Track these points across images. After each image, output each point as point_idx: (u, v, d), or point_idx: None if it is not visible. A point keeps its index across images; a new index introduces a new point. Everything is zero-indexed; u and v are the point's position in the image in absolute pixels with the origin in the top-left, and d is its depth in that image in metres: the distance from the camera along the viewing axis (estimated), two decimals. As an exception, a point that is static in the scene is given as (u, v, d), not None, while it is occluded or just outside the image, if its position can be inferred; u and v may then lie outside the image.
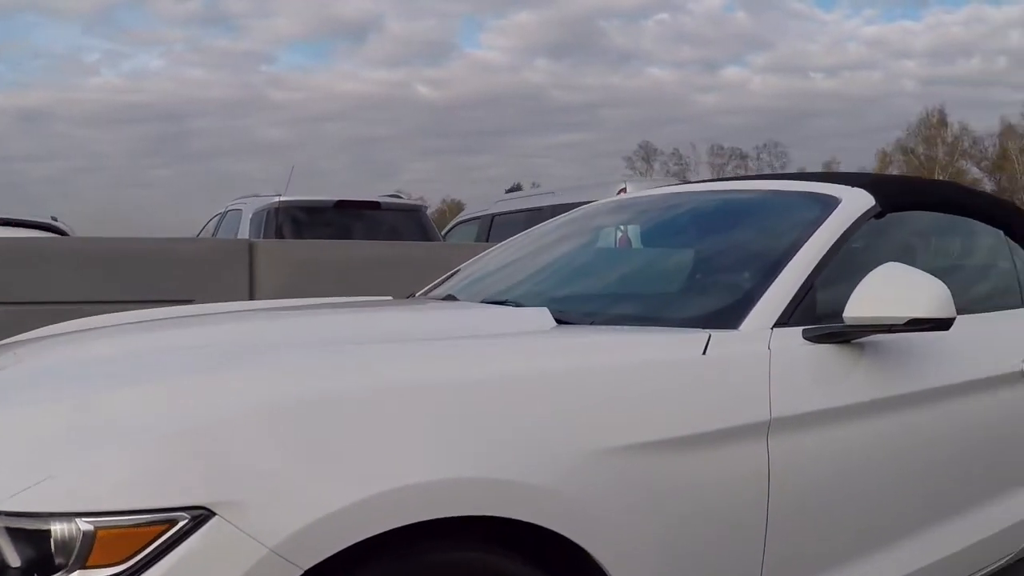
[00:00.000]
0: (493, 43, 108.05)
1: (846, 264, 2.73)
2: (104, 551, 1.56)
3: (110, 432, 1.69)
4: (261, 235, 8.47)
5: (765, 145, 75.01)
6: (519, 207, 9.72)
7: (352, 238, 8.33)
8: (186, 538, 1.59)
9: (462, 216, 11.40)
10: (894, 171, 70.61)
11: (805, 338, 2.48)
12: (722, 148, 75.12)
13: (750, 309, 2.51)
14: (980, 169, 71.04)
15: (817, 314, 2.59)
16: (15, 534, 1.58)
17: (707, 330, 2.39)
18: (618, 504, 2.03)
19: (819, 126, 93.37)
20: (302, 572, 1.65)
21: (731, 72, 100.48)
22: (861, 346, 2.56)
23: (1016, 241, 3.64)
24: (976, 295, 3.48)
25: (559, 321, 2.57)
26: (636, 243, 3.69)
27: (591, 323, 2.65)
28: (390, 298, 3.81)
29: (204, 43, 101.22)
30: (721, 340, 2.35)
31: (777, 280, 2.59)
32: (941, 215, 3.47)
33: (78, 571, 1.56)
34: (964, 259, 3.69)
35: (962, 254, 3.70)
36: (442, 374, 1.98)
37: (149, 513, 1.58)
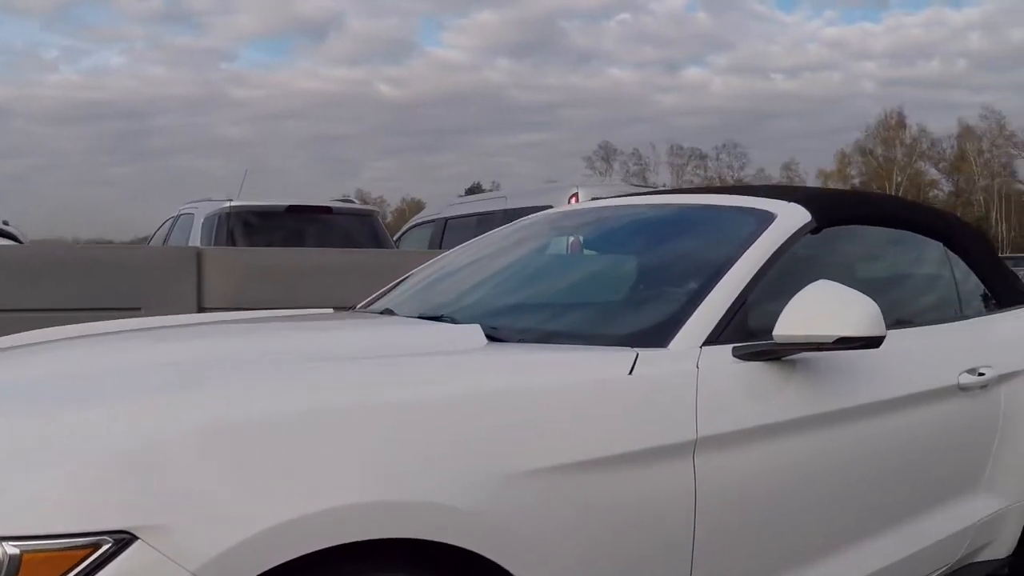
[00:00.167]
0: (454, 42, 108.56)
1: (781, 280, 2.72)
2: (31, 574, 1.57)
3: (41, 455, 1.70)
4: (212, 240, 8.44)
5: (724, 146, 76.08)
6: (471, 211, 9.77)
7: (304, 243, 8.34)
8: (109, 562, 1.60)
9: (416, 219, 11.38)
10: (853, 172, 71.54)
11: (735, 356, 2.48)
12: (682, 148, 76.05)
13: (680, 327, 2.50)
14: (938, 170, 72.05)
15: (750, 331, 2.59)
16: None
17: (636, 349, 2.39)
18: (543, 525, 2.04)
19: (779, 127, 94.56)
20: None
21: (692, 73, 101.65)
22: (793, 363, 2.56)
23: (957, 253, 3.66)
24: (915, 308, 3.50)
25: (492, 338, 2.56)
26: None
27: (522, 340, 2.64)
28: (331, 311, 3.77)
29: (165, 40, 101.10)
30: (648, 359, 2.35)
31: (708, 297, 2.59)
32: (879, 229, 3.48)
33: None
34: (903, 273, 3.71)
35: (901, 268, 3.72)
36: (369, 395, 1.98)
37: (74, 537, 1.59)
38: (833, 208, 3.21)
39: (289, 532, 1.72)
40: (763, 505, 2.47)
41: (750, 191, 3.35)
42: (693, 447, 2.28)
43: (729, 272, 2.67)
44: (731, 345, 2.50)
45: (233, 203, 8.75)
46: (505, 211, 8.26)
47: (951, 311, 3.53)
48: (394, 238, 11.00)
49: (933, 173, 71.79)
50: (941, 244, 3.63)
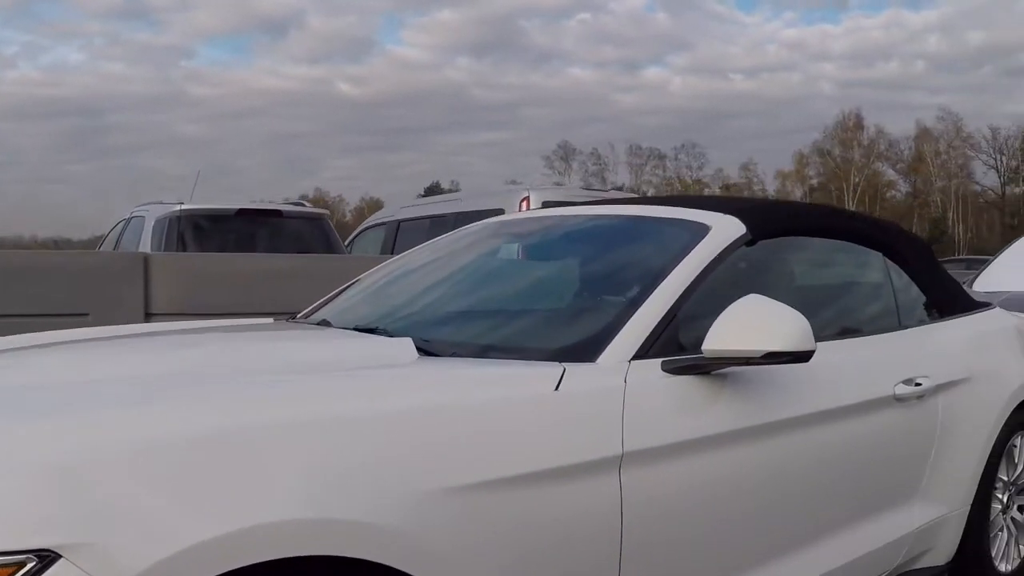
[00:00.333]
0: (415, 40, 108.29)
1: (716, 293, 2.72)
2: None
3: None
4: (163, 243, 8.40)
5: (683, 146, 76.37)
6: (424, 213, 9.73)
7: (255, 246, 8.33)
8: None
9: (370, 220, 11.31)
10: (811, 172, 72.12)
11: (664, 370, 2.48)
12: (640, 148, 76.19)
13: (609, 341, 2.50)
14: (896, 171, 72.83)
15: (682, 344, 2.59)
16: None
17: (564, 364, 2.38)
18: (466, 541, 2.04)
19: (737, 127, 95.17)
20: None
21: (651, 72, 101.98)
22: (723, 377, 2.56)
23: (897, 263, 3.68)
24: (852, 319, 3.52)
25: (423, 351, 2.55)
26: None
27: (455, 354, 2.63)
28: (270, 320, 3.75)
29: (124, 37, 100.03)
30: (575, 374, 2.35)
31: (639, 311, 2.59)
32: (817, 240, 3.50)
33: None
34: (840, 284, 3.73)
35: (838, 279, 3.74)
36: (294, 412, 1.96)
37: (1, 555, 1.58)
38: (769, 220, 3.23)
39: (208, 551, 1.70)
40: (693, 519, 2.47)
41: (689, 202, 3.35)
42: (619, 462, 2.28)
43: (661, 285, 2.67)
44: (661, 359, 2.50)
45: (184, 206, 8.71)
46: (458, 214, 8.24)
47: (890, 321, 3.54)
48: (349, 238, 10.99)
49: (891, 174, 72.57)
50: (880, 254, 3.65)
